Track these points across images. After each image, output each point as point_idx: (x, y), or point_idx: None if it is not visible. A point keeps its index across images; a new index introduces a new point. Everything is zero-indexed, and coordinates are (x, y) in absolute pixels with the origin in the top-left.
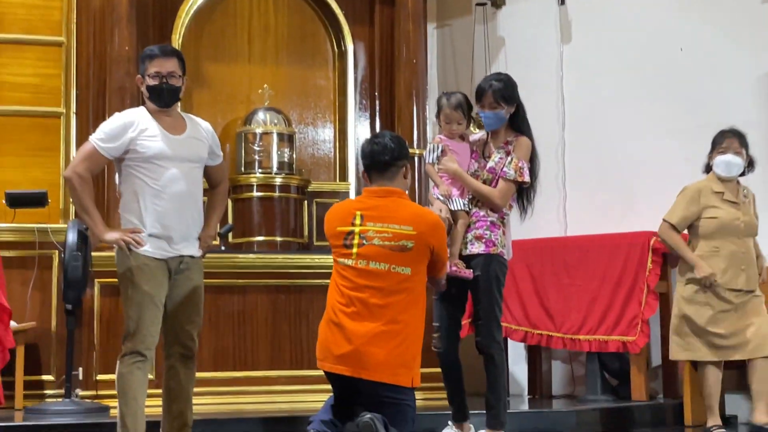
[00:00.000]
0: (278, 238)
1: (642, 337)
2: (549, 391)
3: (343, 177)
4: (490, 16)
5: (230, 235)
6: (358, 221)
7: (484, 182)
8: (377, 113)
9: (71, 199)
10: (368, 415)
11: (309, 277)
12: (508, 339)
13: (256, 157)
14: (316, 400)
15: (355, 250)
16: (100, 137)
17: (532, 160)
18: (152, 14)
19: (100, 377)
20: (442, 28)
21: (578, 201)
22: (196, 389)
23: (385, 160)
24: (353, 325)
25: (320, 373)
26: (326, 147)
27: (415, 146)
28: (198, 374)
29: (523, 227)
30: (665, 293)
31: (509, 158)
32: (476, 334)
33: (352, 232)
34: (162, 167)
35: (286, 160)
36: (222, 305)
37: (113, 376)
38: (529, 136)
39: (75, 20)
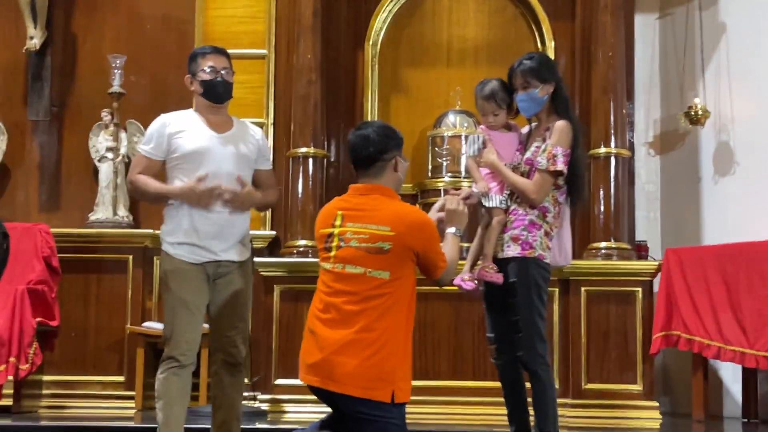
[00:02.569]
0: (465, 244)
1: None
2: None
3: None
4: (712, 1)
5: None
6: (338, 222)
7: (522, 174)
8: (577, 111)
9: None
10: None
11: None
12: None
13: (443, 160)
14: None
15: (333, 252)
16: (143, 141)
17: (575, 145)
18: (345, 22)
19: (278, 381)
20: (664, 18)
21: None
22: None
23: (368, 154)
24: (326, 332)
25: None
26: None
27: (611, 145)
28: None
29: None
30: None
31: (544, 145)
32: (518, 349)
33: (332, 234)
34: (203, 166)
35: None
36: None
37: (293, 381)
38: (569, 118)
39: (275, 32)
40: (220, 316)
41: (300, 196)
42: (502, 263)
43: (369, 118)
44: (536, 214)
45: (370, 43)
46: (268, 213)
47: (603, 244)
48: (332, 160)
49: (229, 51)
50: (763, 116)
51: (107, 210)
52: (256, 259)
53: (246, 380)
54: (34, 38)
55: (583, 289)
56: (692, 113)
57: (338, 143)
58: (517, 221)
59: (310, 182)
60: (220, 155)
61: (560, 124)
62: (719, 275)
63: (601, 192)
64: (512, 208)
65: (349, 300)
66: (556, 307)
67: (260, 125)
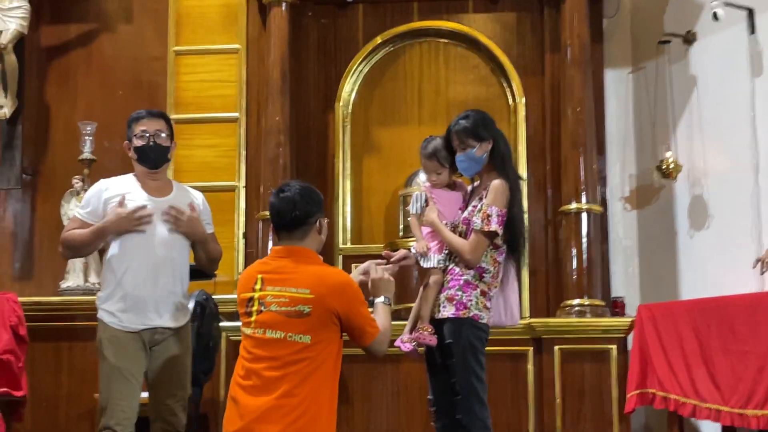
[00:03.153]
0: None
1: None
2: None
3: None
4: (682, 54)
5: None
6: (258, 286)
7: (460, 234)
8: (546, 167)
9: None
10: None
11: None
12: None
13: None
14: None
15: (253, 317)
16: (81, 205)
17: (512, 203)
18: (314, 84)
19: None
20: (636, 72)
21: None
22: None
23: (293, 217)
24: (247, 399)
25: None
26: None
27: (582, 200)
28: None
29: (712, 285)
30: None
31: (480, 205)
32: (457, 411)
33: (252, 299)
34: (137, 231)
35: None
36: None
37: None
38: (506, 176)
39: (245, 95)
40: (158, 384)
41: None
42: (438, 324)
43: (341, 179)
44: (472, 274)
45: (341, 104)
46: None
47: (576, 301)
48: None
49: (202, 115)
50: (735, 169)
51: (78, 277)
52: (225, 324)
53: None
54: (4, 107)
55: (556, 347)
56: (664, 167)
57: None
58: (453, 281)
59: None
60: (156, 220)
61: (495, 184)
62: (691, 331)
63: (573, 249)
64: (449, 267)
65: (270, 366)
66: (530, 366)
67: (233, 188)
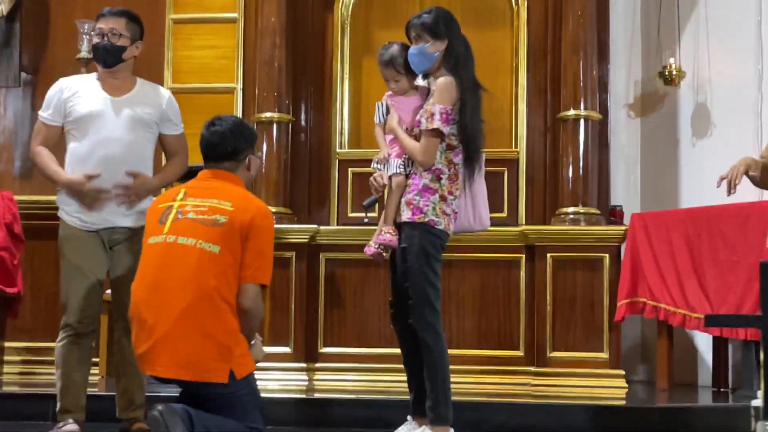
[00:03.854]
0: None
1: None
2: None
3: (508, 143)
4: None
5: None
6: (180, 197)
7: (415, 137)
8: (547, 73)
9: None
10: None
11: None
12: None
13: None
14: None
15: (168, 225)
16: (43, 107)
17: (463, 106)
18: None
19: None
20: None
21: None
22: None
23: (222, 151)
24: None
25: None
26: (502, 112)
27: (581, 107)
28: None
29: (712, 195)
30: None
31: (425, 105)
32: (409, 316)
33: (170, 207)
34: (93, 130)
35: None
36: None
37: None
38: (458, 75)
39: None
40: (119, 283)
41: (265, 163)
42: (400, 228)
43: (339, 82)
44: (430, 177)
45: (341, 4)
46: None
47: (570, 209)
48: (302, 125)
49: (200, 15)
50: (740, 76)
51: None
52: None
53: None
54: (2, 4)
55: (549, 255)
56: (667, 73)
57: (307, 108)
58: (413, 186)
59: (275, 147)
60: (112, 120)
61: (441, 81)
62: (683, 240)
63: (570, 156)
64: (410, 172)
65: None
66: (522, 273)
67: (231, 90)
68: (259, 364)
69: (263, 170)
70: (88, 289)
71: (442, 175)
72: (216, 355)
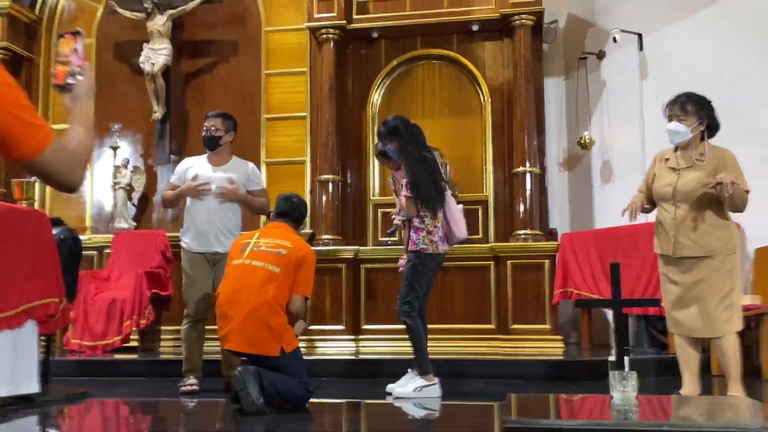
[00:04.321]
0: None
1: None
2: (636, 343)
3: (481, 189)
4: (596, 66)
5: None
6: (256, 237)
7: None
8: (505, 144)
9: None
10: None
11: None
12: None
13: None
14: None
15: (246, 253)
16: (173, 174)
17: (417, 179)
18: (351, 93)
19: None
20: (568, 79)
21: None
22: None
23: (294, 216)
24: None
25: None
26: (476, 170)
27: (526, 165)
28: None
29: (614, 220)
30: None
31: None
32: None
33: (248, 242)
34: (201, 194)
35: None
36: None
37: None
38: (408, 162)
39: (309, 101)
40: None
41: (324, 206)
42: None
43: (371, 154)
44: (418, 221)
45: (370, 105)
46: (308, 219)
47: (522, 232)
48: (348, 182)
49: (283, 114)
50: (630, 142)
51: None
52: None
53: None
54: (157, 112)
55: (509, 262)
56: (583, 142)
57: (351, 171)
58: (411, 227)
59: (331, 197)
60: (214, 181)
61: (403, 167)
62: (595, 250)
63: (520, 197)
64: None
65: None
66: (492, 275)
67: (302, 162)
68: (324, 336)
69: (323, 211)
70: (200, 291)
71: (425, 218)
72: (271, 338)
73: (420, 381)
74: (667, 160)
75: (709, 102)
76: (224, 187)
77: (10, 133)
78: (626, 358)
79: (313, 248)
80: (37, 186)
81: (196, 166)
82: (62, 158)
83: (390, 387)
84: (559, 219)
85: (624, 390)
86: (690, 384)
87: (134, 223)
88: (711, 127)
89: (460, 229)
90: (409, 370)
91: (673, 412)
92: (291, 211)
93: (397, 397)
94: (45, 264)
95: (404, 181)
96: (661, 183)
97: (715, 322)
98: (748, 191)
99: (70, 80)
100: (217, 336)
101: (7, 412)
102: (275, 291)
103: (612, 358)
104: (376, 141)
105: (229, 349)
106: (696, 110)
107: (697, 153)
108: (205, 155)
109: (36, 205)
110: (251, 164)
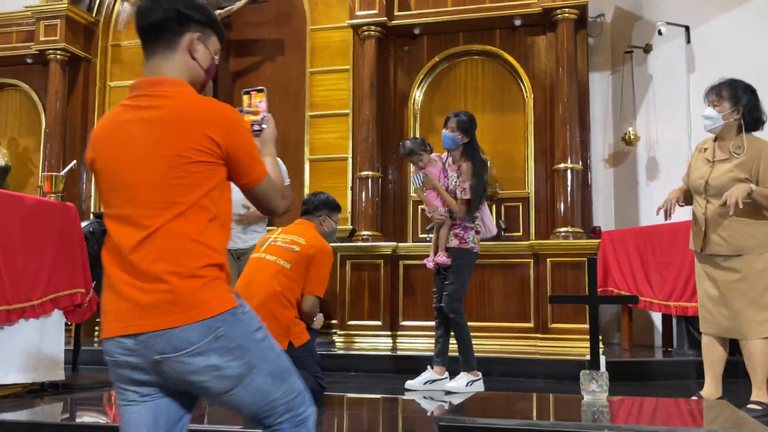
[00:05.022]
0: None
1: None
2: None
3: (523, 186)
4: (642, 60)
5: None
6: (277, 233)
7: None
8: (547, 139)
9: None
10: None
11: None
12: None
13: None
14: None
15: (264, 247)
16: None
17: (478, 179)
18: (393, 89)
19: (350, 322)
20: (614, 73)
21: None
22: None
23: (310, 211)
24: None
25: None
26: (518, 167)
27: (568, 162)
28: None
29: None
30: None
31: (458, 181)
32: (443, 300)
33: (269, 238)
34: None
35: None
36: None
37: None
38: (474, 162)
39: (351, 98)
40: None
41: (363, 203)
42: (447, 249)
43: None
44: (467, 220)
45: (412, 102)
46: (348, 215)
47: (563, 229)
48: (389, 178)
49: (326, 112)
50: (677, 137)
51: None
52: (338, 244)
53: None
54: None
55: (548, 260)
56: (627, 138)
57: (392, 168)
58: (458, 224)
59: (370, 194)
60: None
61: (466, 166)
62: (636, 249)
63: (561, 194)
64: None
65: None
66: (531, 273)
67: (345, 158)
68: (362, 332)
69: (363, 207)
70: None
71: (476, 219)
72: (279, 331)
73: (469, 376)
74: (705, 150)
75: (752, 89)
76: (237, 213)
77: (243, 165)
78: (602, 358)
79: (352, 243)
80: (63, 181)
81: None
82: (272, 188)
83: (409, 383)
84: (604, 216)
85: (594, 390)
86: (711, 385)
87: None
88: (751, 117)
89: (491, 226)
90: (428, 367)
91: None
92: (309, 206)
93: (449, 392)
94: (71, 255)
95: (466, 184)
96: (695, 175)
97: (746, 323)
98: None
99: (256, 127)
100: None
101: (32, 398)
102: (284, 285)
103: (588, 357)
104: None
105: None
106: (730, 96)
107: (734, 145)
108: None
109: (92, 200)
110: (278, 160)
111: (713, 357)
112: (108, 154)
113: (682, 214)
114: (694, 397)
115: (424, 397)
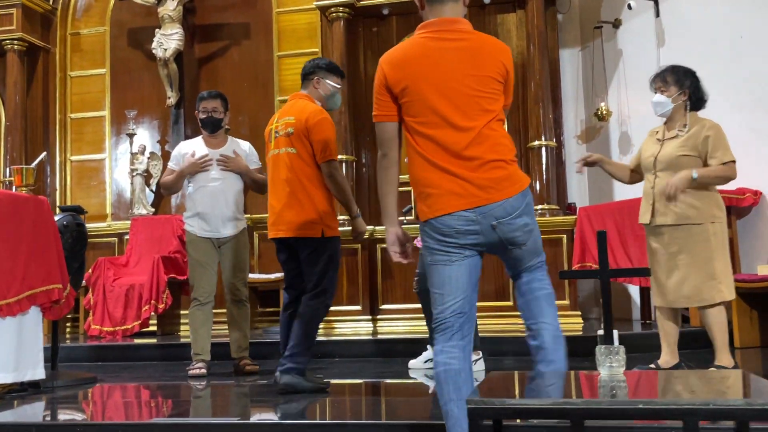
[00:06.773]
0: None
1: None
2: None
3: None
4: (612, 35)
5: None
6: (275, 120)
7: None
8: (520, 117)
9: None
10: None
11: None
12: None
13: None
14: None
15: (272, 143)
16: (170, 160)
17: None
18: (363, 71)
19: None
20: (583, 50)
21: None
22: None
23: (302, 75)
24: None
25: None
26: None
27: (542, 139)
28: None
29: (633, 192)
30: None
31: None
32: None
33: (271, 130)
34: (202, 172)
35: None
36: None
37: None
38: None
39: None
40: (227, 269)
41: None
42: None
43: None
44: None
45: None
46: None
47: (539, 207)
48: (363, 162)
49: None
50: (649, 112)
51: None
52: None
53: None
54: (171, 98)
55: None
56: (599, 113)
57: (366, 151)
58: None
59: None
60: (213, 164)
61: None
62: (613, 223)
63: (537, 171)
64: None
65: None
66: None
67: None
68: (341, 317)
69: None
70: (206, 274)
71: None
72: (310, 220)
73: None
74: (657, 133)
75: (692, 72)
76: (226, 155)
77: (511, 88)
78: (615, 332)
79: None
80: (51, 175)
81: (194, 150)
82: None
83: (412, 363)
84: (578, 192)
85: (611, 365)
86: (667, 354)
87: (153, 209)
88: (696, 98)
89: None
90: (428, 347)
91: (659, 389)
92: (302, 73)
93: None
94: (47, 250)
95: None
96: (646, 155)
97: (695, 291)
98: (729, 162)
99: None
100: (225, 320)
101: (12, 398)
102: (300, 170)
103: (601, 332)
104: None
105: (273, 238)
106: (675, 80)
107: (680, 124)
108: (200, 137)
109: (58, 194)
110: (248, 143)
111: (667, 328)
112: (419, 73)
113: None
114: (651, 365)
115: (426, 375)
